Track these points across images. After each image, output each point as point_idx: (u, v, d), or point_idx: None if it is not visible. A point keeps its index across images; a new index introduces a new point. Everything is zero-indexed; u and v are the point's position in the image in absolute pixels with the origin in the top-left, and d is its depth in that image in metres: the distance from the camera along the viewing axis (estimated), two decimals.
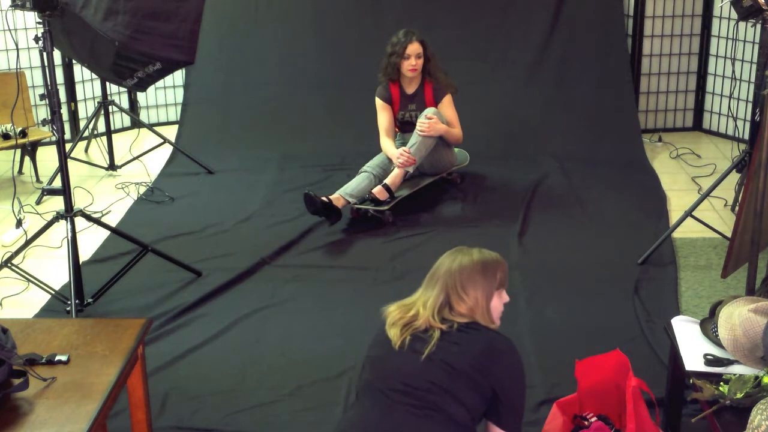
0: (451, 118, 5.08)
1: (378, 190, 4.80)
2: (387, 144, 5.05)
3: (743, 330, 2.66)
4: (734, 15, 4.50)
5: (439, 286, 2.40)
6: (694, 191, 5.23)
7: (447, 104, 5.09)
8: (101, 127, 6.00)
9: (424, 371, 2.29)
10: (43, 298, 4.06)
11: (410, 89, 5.11)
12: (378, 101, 5.12)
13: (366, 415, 2.33)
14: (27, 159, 5.60)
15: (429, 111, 4.98)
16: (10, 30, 5.51)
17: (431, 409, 2.25)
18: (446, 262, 2.45)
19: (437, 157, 5.08)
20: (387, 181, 4.85)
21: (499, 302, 2.46)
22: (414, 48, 4.96)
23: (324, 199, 4.64)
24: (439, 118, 4.96)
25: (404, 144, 5.15)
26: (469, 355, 2.29)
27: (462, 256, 2.45)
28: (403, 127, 5.19)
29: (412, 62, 4.97)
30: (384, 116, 5.12)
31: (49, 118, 3.79)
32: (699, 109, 6.39)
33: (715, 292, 3.98)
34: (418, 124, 4.95)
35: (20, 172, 5.68)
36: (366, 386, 2.39)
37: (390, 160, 4.99)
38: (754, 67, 5.81)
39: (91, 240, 4.64)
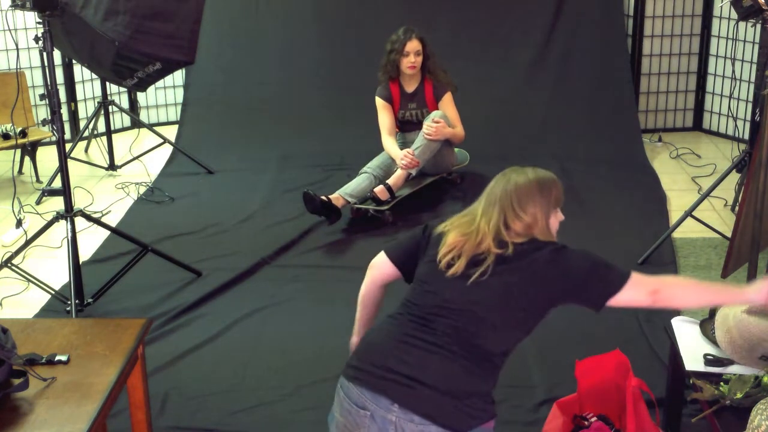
0: (453, 117, 5.08)
1: (380, 190, 4.80)
2: (389, 144, 5.05)
3: (739, 332, 2.66)
4: (734, 15, 4.51)
5: (498, 207, 2.35)
6: (694, 191, 5.23)
7: (448, 102, 5.09)
8: (101, 127, 6.00)
9: (469, 294, 2.25)
10: (43, 298, 4.06)
11: (410, 87, 5.11)
12: (378, 101, 5.12)
13: (380, 333, 2.33)
14: (27, 159, 5.60)
15: (436, 114, 4.98)
16: (10, 30, 5.51)
17: (456, 337, 2.23)
18: (501, 182, 2.42)
19: (440, 158, 5.08)
20: (389, 181, 4.85)
21: (555, 221, 2.44)
22: (413, 45, 4.96)
23: (323, 198, 4.64)
24: (446, 122, 4.97)
25: (405, 143, 5.15)
26: (537, 267, 2.26)
27: (516, 175, 2.43)
28: (404, 126, 5.19)
29: (411, 59, 4.97)
30: (385, 116, 5.12)
31: (49, 118, 3.79)
32: (699, 109, 6.39)
33: None
34: (425, 127, 4.95)
35: (20, 172, 5.68)
36: (405, 306, 2.36)
37: (392, 160, 4.99)
38: (754, 67, 5.81)
39: (91, 240, 4.64)
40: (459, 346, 2.23)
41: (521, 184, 2.39)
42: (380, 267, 2.53)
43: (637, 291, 2.28)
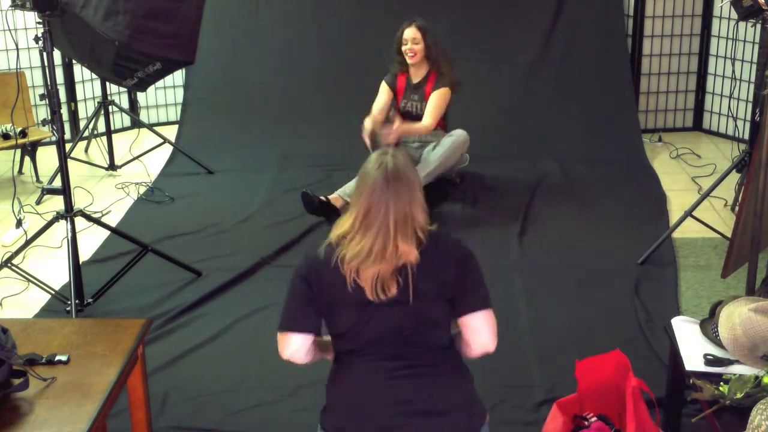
0: (429, 109, 4.99)
1: None
2: (367, 121, 4.94)
3: (743, 329, 2.66)
4: (734, 15, 4.50)
5: (389, 224, 2.23)
6: (694, 191, 5.23)
7: (437, 96, 5.00)
8: (101, 127, 6.00)
9: (415, 307, 2.23)
10: (43, 298, 4.06)
11: (416, 78, 5.12)
12: (382, 84, 5.13)
13: (364, 389, 2.27)
14: (27, 159, 5.60)
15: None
16: (10, 30, 5.51)
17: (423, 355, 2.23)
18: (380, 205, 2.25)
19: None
20: None
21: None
22: (410, 33, 4.98)
23: (322, 198, 4.64)
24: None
25: (405, 141, 5.15)
26: (441, 273, 2.25)
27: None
28: (403, 119, 5.19)
29: (408, 47, 4.99)
30: (381, 98, 5.11)
31: (49, 118, 3.79)
32: (699, 109, 6.39)
33: (715, 292, 3.98)
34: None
35: (20, 172, 5.68)
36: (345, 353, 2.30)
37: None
38: (754, 67, 5.81)
39: (91, 240, 4.64)
40: (433, 358, 2.26)
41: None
42: (299, 349, 2.35)
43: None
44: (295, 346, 2.33)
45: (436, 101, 5.01)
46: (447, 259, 2.26)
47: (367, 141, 4.85)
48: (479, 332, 2.28)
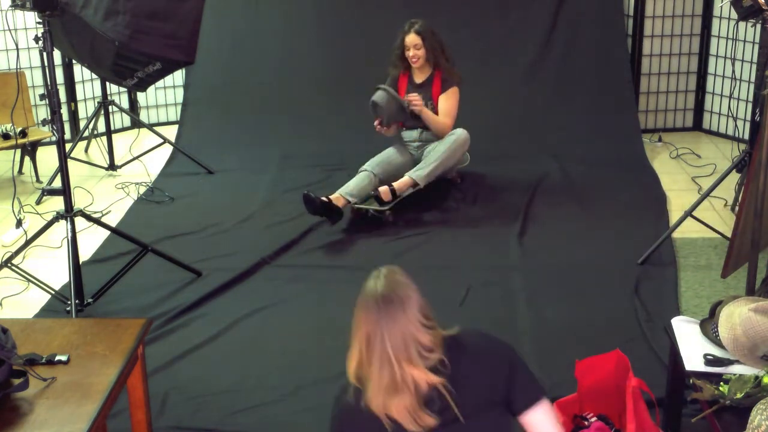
0: (445, 109, 5.05)
1: (384, 191, 4.77)
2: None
3: (743, 329, 2.66)
4: (734, 15, 4.50)
5: (398, 354, 2.02)
6: (694, 191, 5.23)
7: (449, 95, 5.06)
8: (101, 127, 6.00)
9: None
10: (43, 298, 4.06)
11: (419, 78, 5.12)
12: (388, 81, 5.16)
13: None
14: (27, 159, 5.60)
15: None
16: (10, 30, 5.51)
17: None
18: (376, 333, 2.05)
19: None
20: (395, 185, 4.83)
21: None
22: (411, 39, 4.99)
23: (323, 198, 4.64)
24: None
25: (405, 141, 5.16)
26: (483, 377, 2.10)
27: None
28: (406, 119, 5.19)
29: (410, 53, 5.00)
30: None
31: (49, 118, 3.79)
32: (699, 109, 6.39)
33: (715, 292, 3.98)
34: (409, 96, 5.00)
35: (20, 172, 5.68)
36: None
37: (392, 158, 5.01)
38: (754, 67, 5.81)
39: (91, 240, 4.64)
40: None
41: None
42: None
43: None
44: None
45: (451, 101, 5.06)
46: (487, 364, 2.10)
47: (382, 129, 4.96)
48: (543, 427, 2.12)
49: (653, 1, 6.20)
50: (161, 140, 5.89)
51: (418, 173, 4.89)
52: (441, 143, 5.01)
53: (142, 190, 5.42)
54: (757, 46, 5.79)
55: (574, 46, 6.21)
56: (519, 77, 6.20)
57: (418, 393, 2.02)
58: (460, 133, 5.04)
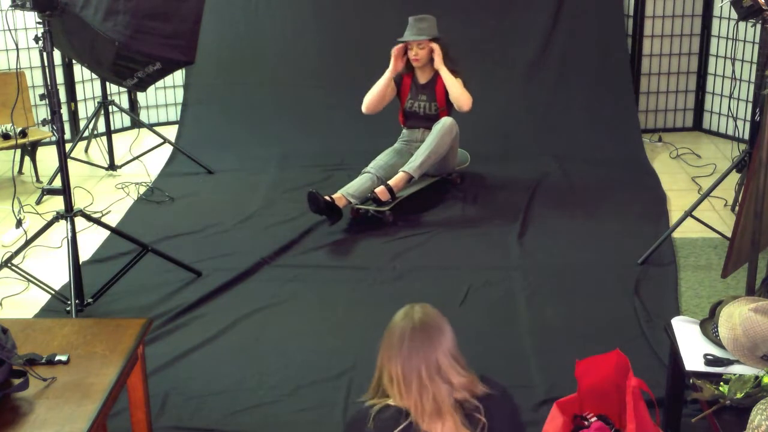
0: (460, 84, 5.03)
1: (380, 191, 4.78)
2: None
3: (743, 329, 2.66)
4: (734, 15, 4.50)
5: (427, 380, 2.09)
6: (694, 191, 5.23)
7: (458, 81, 5.06)
8: (101, 127, 6.00)
9: None
10: (43, 298, 4.06)
11: (423, 79, 5.12)
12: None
13: None
14: (27, 159, 5.60)
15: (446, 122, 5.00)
16: (10, 30, 5.51)
17: None
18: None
19: (444, 161, 5.07)
20: (390, 182, 4.84)
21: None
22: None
23: (327, 198, 4.64)
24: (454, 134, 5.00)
25: (408, 141, 5.17)
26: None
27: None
28: (408, 121, 5.19)
29: (413, 52, 5.01)
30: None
31: (49, 118, 3.79)
32: (699, 109, 6.39)
33: (715, 292, 3.98)
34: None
35: (20, 172, 5.68)
36: None
37: (394, 161, 5.01)
38: (754, 67, 5.81)
39: (91, 240, 4.64)
40: None
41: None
42: None
43: None
44: None
45: (460, 83, 5.02)
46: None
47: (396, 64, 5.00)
48: None
49: (653, 1, 6.20)
50: (161, 140, 5.88)
51: (411, 165, 4.90)
52: (429, 133, 5.00)
53: (142, 190, 5.42)
54: (757, 46, 5.79)
55: (574, 46, 6.21)
56: (519, 77, 6.20)
57: (459, 413, 2.09)
58: (445, 119, 5.02)
